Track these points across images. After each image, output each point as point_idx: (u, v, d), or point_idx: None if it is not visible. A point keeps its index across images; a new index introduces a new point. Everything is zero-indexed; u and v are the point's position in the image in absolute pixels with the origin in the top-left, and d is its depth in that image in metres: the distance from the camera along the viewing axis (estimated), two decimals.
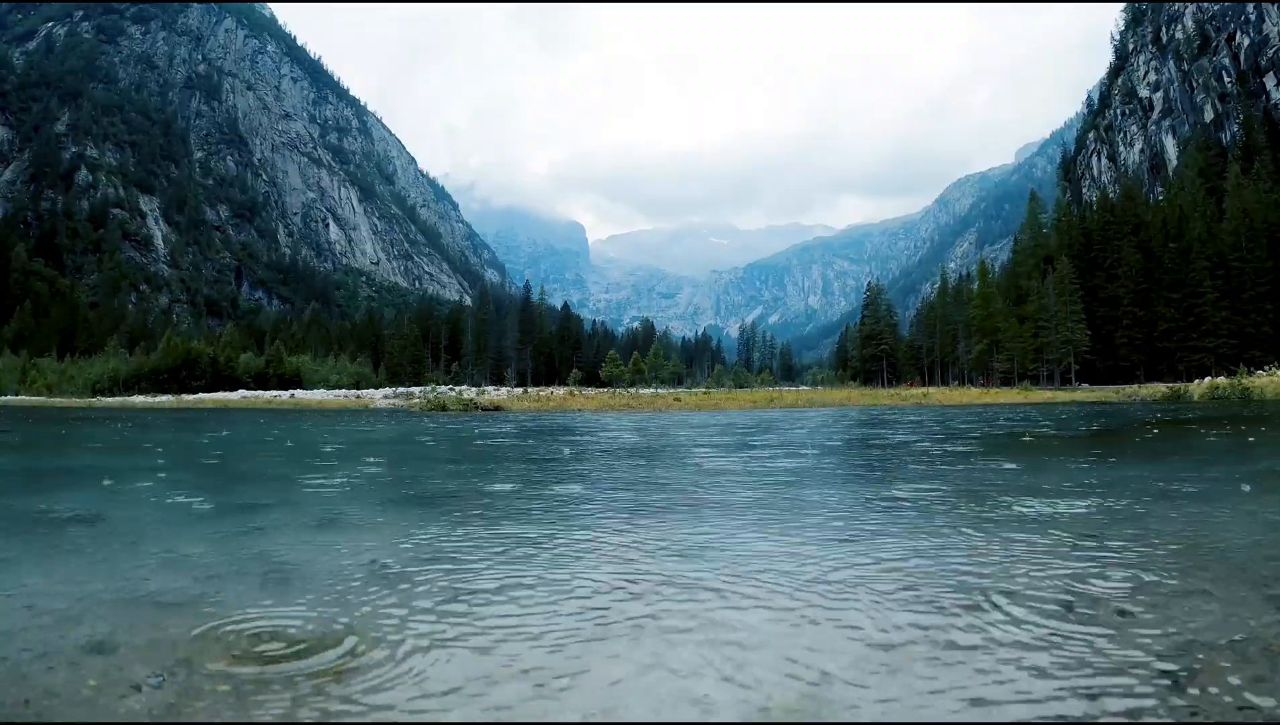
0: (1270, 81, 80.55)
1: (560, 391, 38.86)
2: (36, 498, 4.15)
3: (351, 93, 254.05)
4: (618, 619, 1.66)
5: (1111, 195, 68.50)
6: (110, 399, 45.38)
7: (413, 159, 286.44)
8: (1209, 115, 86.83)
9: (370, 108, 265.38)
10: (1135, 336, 54.22)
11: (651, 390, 46.88)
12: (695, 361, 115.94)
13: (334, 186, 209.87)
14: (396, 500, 3.93)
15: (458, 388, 42.54)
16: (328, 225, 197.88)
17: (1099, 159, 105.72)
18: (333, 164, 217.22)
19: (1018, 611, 1.68)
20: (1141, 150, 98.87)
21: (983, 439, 8.39)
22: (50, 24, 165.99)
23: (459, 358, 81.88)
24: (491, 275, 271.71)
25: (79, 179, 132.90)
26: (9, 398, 48.60)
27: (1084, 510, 3.15)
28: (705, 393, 38.28)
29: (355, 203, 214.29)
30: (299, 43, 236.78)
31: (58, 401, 42.99)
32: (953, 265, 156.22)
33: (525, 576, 2.10)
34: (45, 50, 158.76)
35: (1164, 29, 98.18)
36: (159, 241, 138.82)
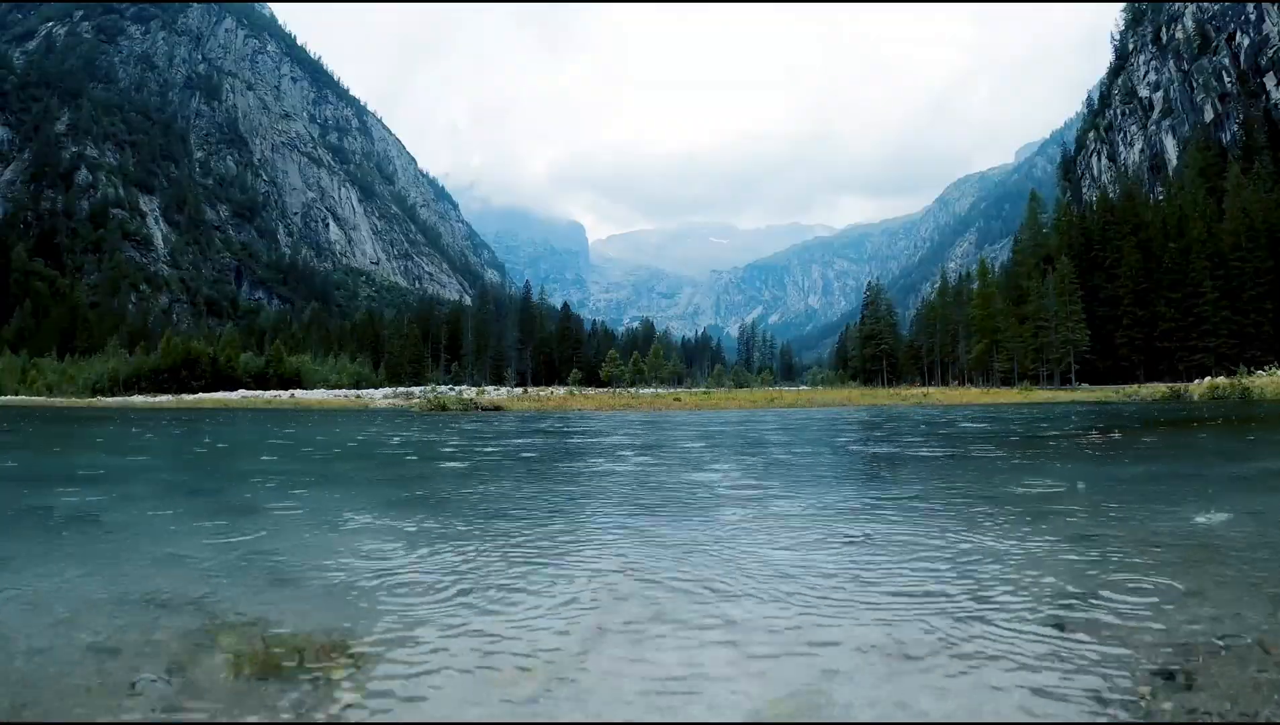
0: (1270, 81, 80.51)
1: (560, 391, 38.86)
2: (36, 498, 4.15)
3: (351, 93, 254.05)
4: (619, 619, 1.66)
5: (1111, 195, 68.48)
6: (110, 399, 45.38)
7: (413, 159, 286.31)
8: (1209, 115, 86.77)
9: (370, 107, 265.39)
10: (1135, 336, 54.19)
11: (651, 390, 46.88)
12: (695, 361, 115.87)
13: (334, 186, 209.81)
14: (396, 501, 3.93)
15: (458, 387, 42.55)
16: (328, 225, 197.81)
17: (1099, 159, 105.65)
18: (333, 164, 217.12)
19: (1017, 611, 1.68)
20: (1141, 150, 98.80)
21: (983, 439, 8.39)
22: (50, 24, 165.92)
23: (459, 358, 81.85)
24: (491, 275, 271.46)
25: (79, 179, 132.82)
26: (9, 398, 48.59)
27: (1083, 509, 3.15)
28: (705, 393, 38.27)
29: (355, 203, 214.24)
30: (299, 42, 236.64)
31: (58, 401, 42.99)
32: (953, 265, 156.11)
33: (526, 577, 2.10)
34: (45, 50, 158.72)
35: (1164, 29, 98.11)
36: (159, 241, 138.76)
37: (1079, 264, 56.06)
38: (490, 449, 7.74)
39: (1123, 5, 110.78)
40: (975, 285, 66.56)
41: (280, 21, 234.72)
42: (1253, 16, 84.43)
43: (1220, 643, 1.45)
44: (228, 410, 25.25)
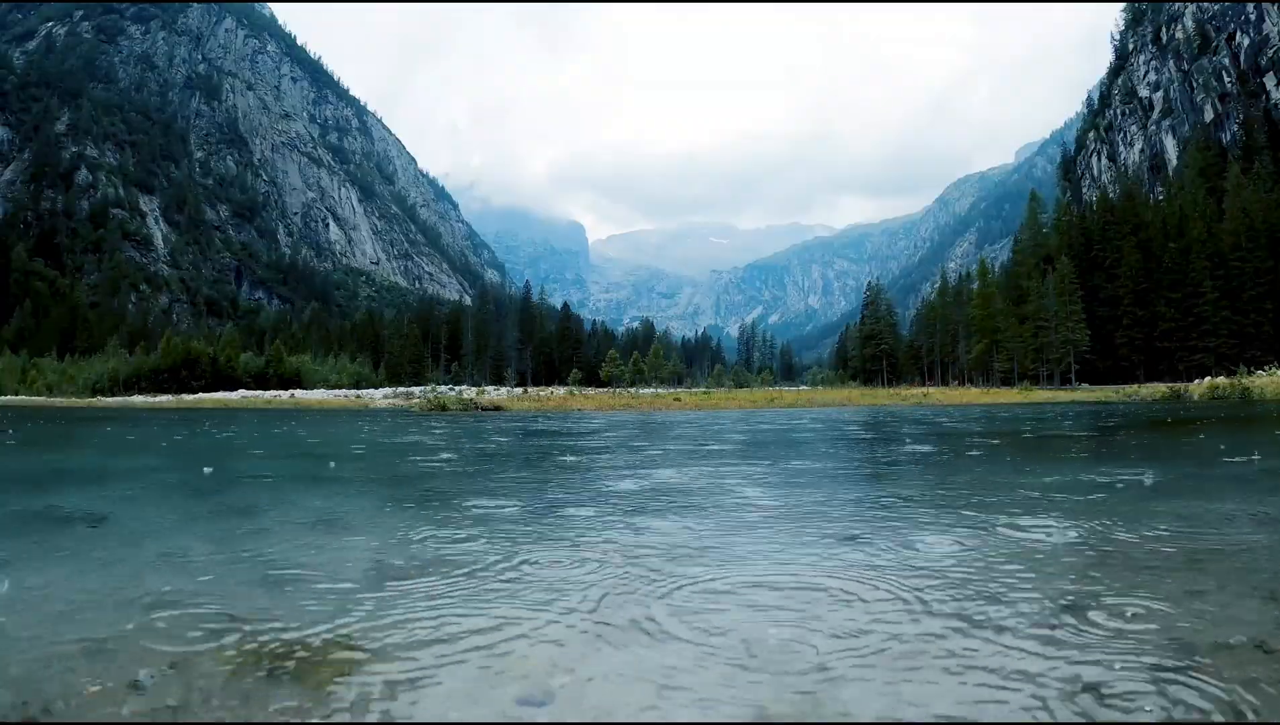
0: (1270, 81, 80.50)
1: (560, 391, 38.86)
2: (36, 498, 4.14)
3: (351, 93, 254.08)
4: (618, 619, 1.66)
5: (1111, 195, 68.45)
6: (110, 399, 45.40)
7: (413, 159, 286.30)
8: (1209, 115, 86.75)
9: (370, 107, 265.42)
10: (1135, 336, 54.18)
11: (651, 390, 46.87)
12: (695, 361, 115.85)
13: (334, 186, 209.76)
14: (396, 501, 3.92)
15: (457, 388, 42.54)
16: (328, 225, 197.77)
17: (1099, 159, 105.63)
18: (333, 164, 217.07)
19: (1017, 610, 1.68)
20: (1141, 150, 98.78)
21: (983, 439, 8.39)
22: (50, 24, 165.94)
23: (459, 358, 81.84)
24: (491, 275, 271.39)
25: (79, 179, 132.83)
26: (9, 398, 48.62)
27: (1083, 509, 3.15)
28: (705, 393, 38.27)
29: (355, 203, 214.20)
30: (299, 42, 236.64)
31: (58, 401, 43.01)
32: (953, 265, 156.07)
33: (526, 576, 2.10)
34: (45, 50, 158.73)
35: (1164, 29, 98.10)
36: (159, 241, 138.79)
37: (1079, 264, 56.04)
38: (490, 449, 7.74)
39: (1123, 5, 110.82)
40: (975, 285, 66.53)
41: (280, 21, 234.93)
42: (1253, 16, 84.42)
43: (1220, 643, 1.45)
44: (228, 410, 25.25)
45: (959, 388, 45.73)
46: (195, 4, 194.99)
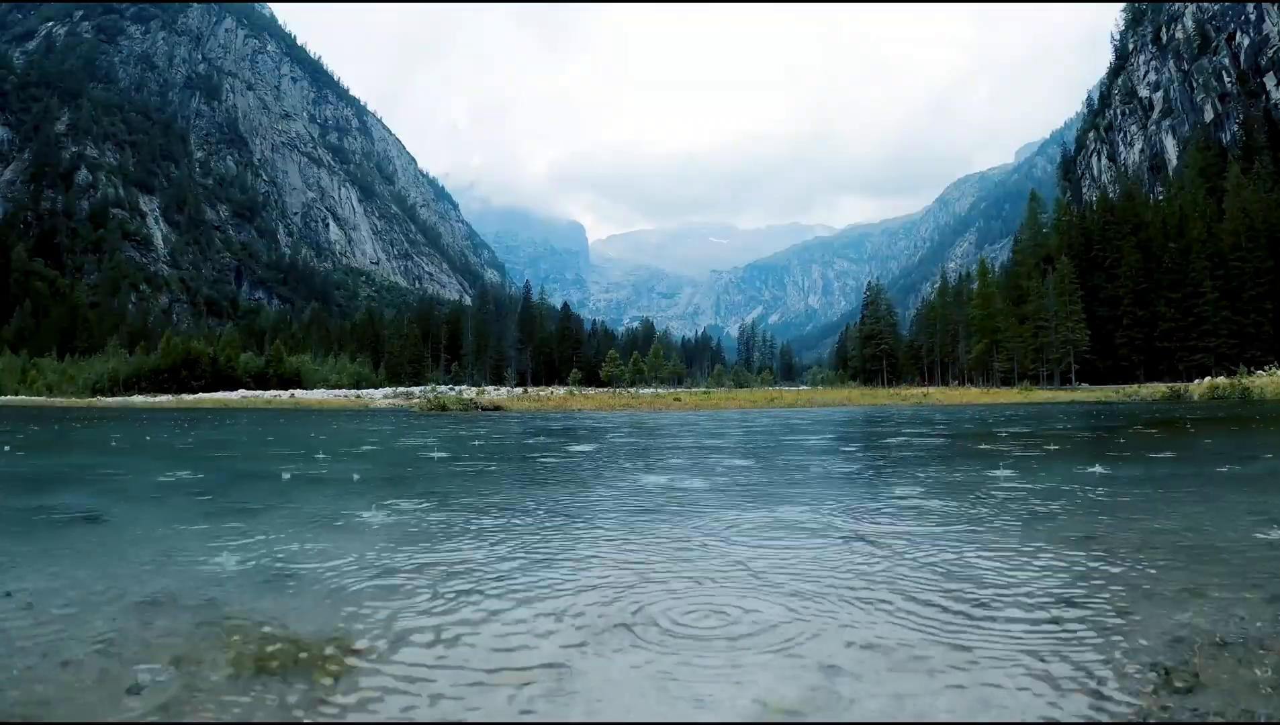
0: (1270, 81, 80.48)
1: (560, 391, 38.87)
2: (36, 498, 4.14)
3: (351, 93, 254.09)
4: (618, 617, 1.66)
5: (1111, 195, 68.43)
6: (110, 399, 45.39)
7: (413, 159, 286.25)
8: (1209, 115, 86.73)
9: (370, 107, 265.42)
10: (1135, 336, 54.17)
11: (651, 390, 46.88)
12: (695, 361, 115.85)
13: (334, 186, 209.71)
14: (395, 501, 3.92)
15: (457, 388, 42.55)
16: (328, 225, 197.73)
17: (1099, 159, 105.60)
18: (333, 164, 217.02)
19: (1018, 611, 1.68)
20: (1141, 150, 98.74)
21: (984, 439, 8.40)
22: (50, 24, 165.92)
23: (459, 358, 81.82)
24: (491, 275, 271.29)
25: (79, 179, 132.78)
26: (9, 398, 48.62)
27: (1083, 510, 3.15)
28: (705, 393, 38.25)
29: (355, 203, 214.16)
30: (299, 42, 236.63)
31: (58, 401, 43.00)
32: (953, 265, 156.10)
33: (525, 577, 2.10)
34: (45, 50, 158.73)
35: (1164, 29, 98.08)
36: (159, 241, 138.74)
37: (1079, 264, 56.04)
38: (489, 449, 7.74)
39: (1123, 5, 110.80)
40: (975, 285, 66.50)
41: (280, 21, 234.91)
42: (1253, 16, 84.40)
43: (1220, 643, 1.45)
44: (227, 410, 25.24)
45: (959, 388, 45.71)
46: (195, 4, 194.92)
